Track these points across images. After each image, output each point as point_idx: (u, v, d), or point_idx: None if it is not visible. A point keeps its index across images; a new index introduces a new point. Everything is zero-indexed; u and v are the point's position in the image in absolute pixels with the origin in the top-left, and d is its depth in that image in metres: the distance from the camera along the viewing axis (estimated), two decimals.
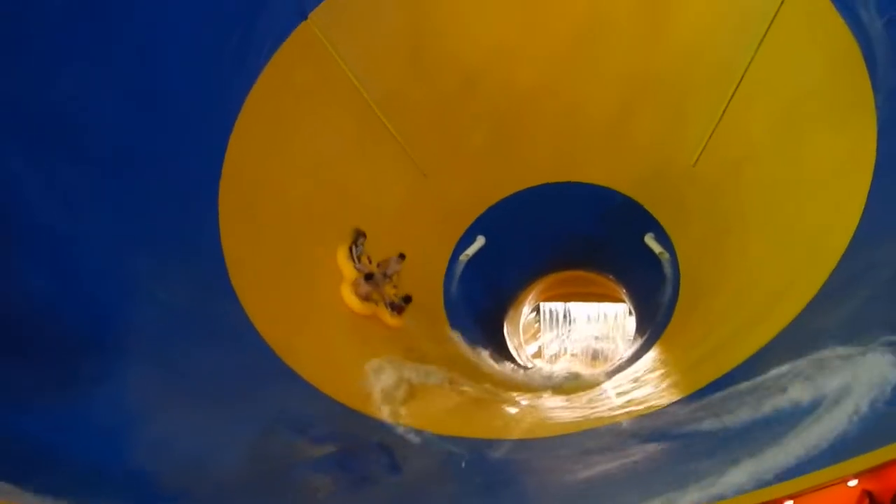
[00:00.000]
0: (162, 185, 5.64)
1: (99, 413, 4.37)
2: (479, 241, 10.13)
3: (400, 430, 5.99)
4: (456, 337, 9.57)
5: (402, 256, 8.49)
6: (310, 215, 7.39)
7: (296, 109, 7.04)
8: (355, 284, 7.63)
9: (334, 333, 7.05)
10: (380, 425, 6.05)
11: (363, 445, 5.76)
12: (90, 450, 4.10)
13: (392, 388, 6.56)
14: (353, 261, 7.80)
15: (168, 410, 4.74)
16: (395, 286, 8.36)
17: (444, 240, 10.02)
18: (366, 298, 7.72)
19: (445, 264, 10.03)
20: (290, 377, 6.02)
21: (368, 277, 7.74)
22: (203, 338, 5.55)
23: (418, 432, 6.00)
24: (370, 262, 8.13)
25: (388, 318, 8.06)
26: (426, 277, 9.76)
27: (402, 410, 6.30)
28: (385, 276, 8.19)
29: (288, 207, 7.07)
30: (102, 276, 4.99)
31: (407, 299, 8.42)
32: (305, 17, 6.73)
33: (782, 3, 6.20)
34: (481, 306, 11.03)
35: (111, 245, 5.13)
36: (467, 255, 10.05)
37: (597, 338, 15.51)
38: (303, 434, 5.55)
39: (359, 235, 8.01)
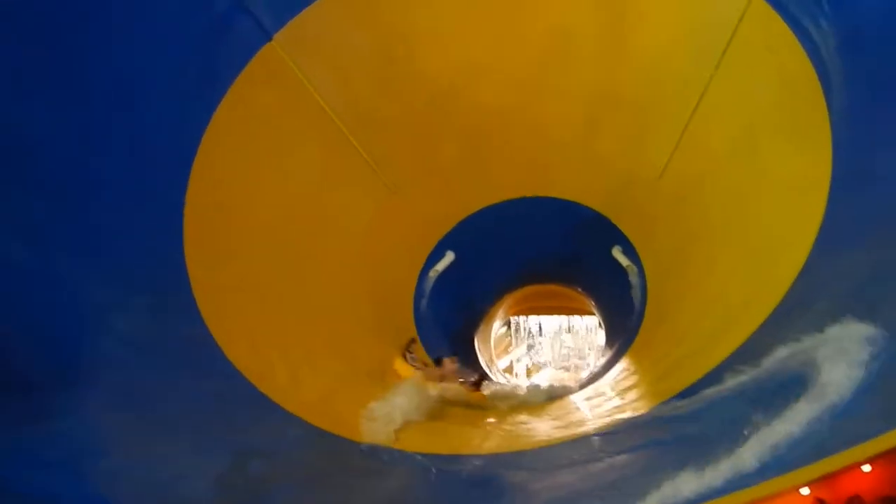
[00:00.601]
0: (122, 212, 5.54)
1: (57, 446, 4.26)
2: (449, 257, 10.19)
3: (375, 448, 5.98)
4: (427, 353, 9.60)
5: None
6: (278, 238, 7.36)
7: (261, 132, 7.01)
8: (427, 375, 8.51)
9: (306, 356, 7.00)
10: (355, 446, 6.03)
11: (338, 468, 5.72)
12: (49, 483, 4.00)
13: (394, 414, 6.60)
14: (411, 363, 8.66)
15: (130, 441, 4.66)
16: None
17: (414, 256, 10.06)
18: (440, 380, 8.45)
19: (415, 280, 10.05)
20: (262, 402, 5.95)
21: (438, 362, 9.03)
22: (168, 366, 5.45)
23: (392, 451, 5.99)
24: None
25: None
26: (396, 294, 9.78)
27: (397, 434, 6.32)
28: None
29: (255, 231, 7.02)
30: (60, 307, 4.87)
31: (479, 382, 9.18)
32: (270, 39, 6.70)
33: (739, 22, 6.35)
34: (452, 322, 11.08)
35: (69, 276, 5.01)
36: (437, 270, 10.10)
37: (567, 351, 15.62)
38: (275, 459, 5.46)
39: (410, 343, 9.08)
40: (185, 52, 6.07)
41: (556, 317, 15.40)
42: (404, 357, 8.80)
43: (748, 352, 5.15)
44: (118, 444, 4.56)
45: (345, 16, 7.18)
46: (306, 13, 6.91)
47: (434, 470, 5.58)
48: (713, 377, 5.23)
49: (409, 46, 7.76)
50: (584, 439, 6.02)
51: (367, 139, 8.24)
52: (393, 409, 6.66)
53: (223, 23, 6.28)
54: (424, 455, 5.90)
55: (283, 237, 7.41)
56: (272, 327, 6.84)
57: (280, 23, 6.79)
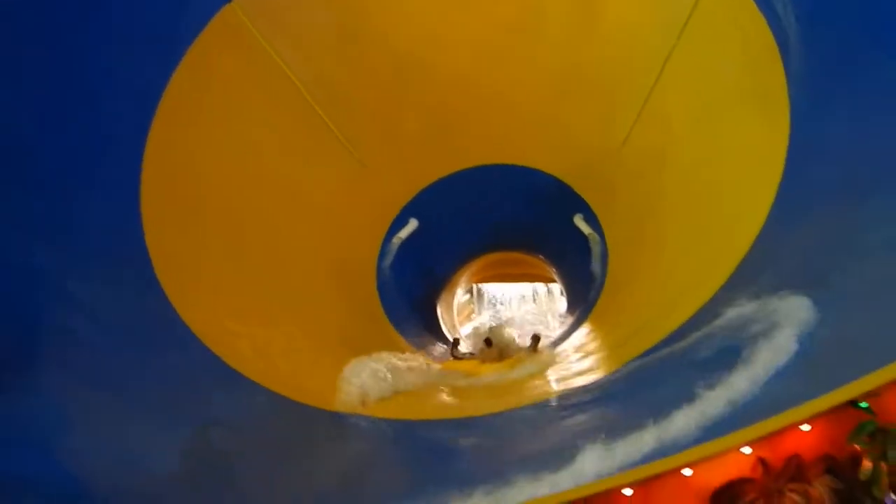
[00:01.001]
0: (77, 182, 5.43)
1: (23, 423, 4.24)
2: (412, 224, 10.16)
3: (341, 415, 6.00)
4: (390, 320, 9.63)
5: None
6: (240, 206, 7.26)
7: (221, 97, 6.87)
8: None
9: (269, 325, 6.95)
10: (319, 413, 6.04)
11: (302, 435, 5.74)
12: (15, 461, 4.00)
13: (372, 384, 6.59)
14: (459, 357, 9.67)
15: (95, 417, 4.63)
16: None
17: (377, 223, 10.01)
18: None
19: (378, 247, 10.01)
20: (226, 372, 5.92)
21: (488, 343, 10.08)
22: (131, 339, 5.40)
23: (359, 417, 6.02)
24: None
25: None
26: (359, 262, 9.74)
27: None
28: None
29: (216, 199, 6.92)
30: (20, 283, 4.78)
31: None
32: (230, 0, 6.51)
33: None
34: (414, 289, 11.09)
35: (27, 251, 4.92)
36: (400, 237, 10.07)
37: (530, 317, 15.74)
38: (240, 429, 5.44)
39: (454, 346, 10.29)
40: (140, 12, 5.90)
41: (518, 284, 15.49)
42: (453, 356, 9.72)
43: (702, 319, 5.26)
44: (83, 420, 4.52)
45: None
46: None
47: (394, 434, 5.63)
48: (668, 343, 5.35)
49: (372, 14, 7.67)
50: (542, 403, 6.12)
51: (330, 107, 8.13)
52: (366, 382, 6.66)
53: None
54: (390, 421, 5.93)
55: (244, 205, 7.31)
56: (235, 297, 6.79)
57: None
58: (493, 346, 9.94)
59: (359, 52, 7.97)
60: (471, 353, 10.32)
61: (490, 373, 8.69)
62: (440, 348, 10.72)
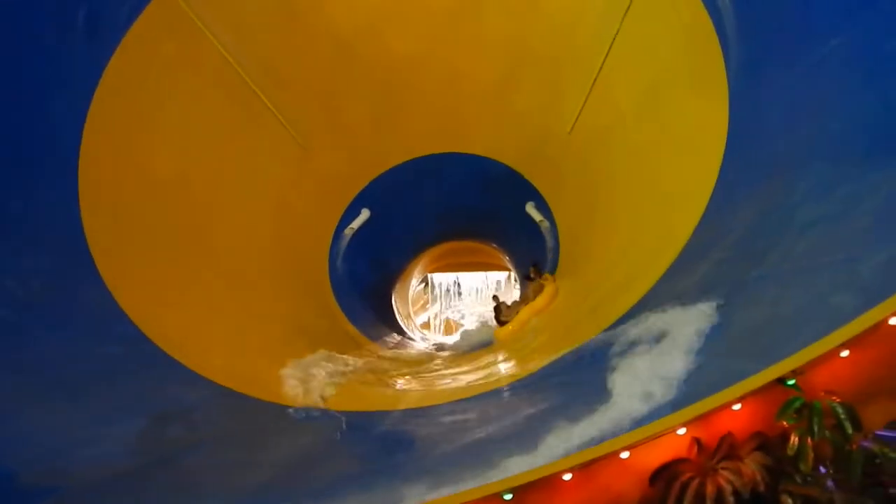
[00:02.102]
0: (11, 170, 5.24)
1: None
2: (364, 214, 10.10)
3: (289, 408, 5.94)
4: (342, 311, 9.57)
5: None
6: (181, 193, 7.06)
7: (160, 84, 6.66)
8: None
9: (211, 314, 6.82)
10: (264, 405, 5.96)
11: (247, 427, 5.66)
12: None
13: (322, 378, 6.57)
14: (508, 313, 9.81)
15: (25, 406, 4.48)
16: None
17: (328, 214, 9.92)
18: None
19: (330, 239, 9.93)
20: (168, 364, 5.78)
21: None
22: (66, 327, 5.24)
23: (309, 409, 5.96)
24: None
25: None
26: (310, 252, 9.65)
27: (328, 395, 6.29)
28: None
29: (156, 186, 6.71)
30: None
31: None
32: None
33: None
34: (368, 279, 11.05)
35: None
36: (352, 228, 10.00)
37: (483, 305, 15.85)
38: (183, 420, 5.35)
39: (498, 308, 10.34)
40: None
41: (472, 273, 15.57)
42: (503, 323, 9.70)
43: (648, 303, 5.32)
44: (13, 412, 4.37)
45: None
46: None
47: (343, 425, 5.59)
48: (614, 328, 5.40)
49: (314, 1, 7.51)
50: (496, 391, 6.14)
51: (274, 92, 7.98)
52: (313, 374, 6.62)
53: None
54: (340, 412, 5.89)
55: (185, 192, 7.13)
56: (177, 287, 6.62)
57: None
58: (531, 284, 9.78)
59: (300, 36, 7.83)
60: (515, 303, 10.26)
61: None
62: (395, 338, 10.70)
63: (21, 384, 4.60)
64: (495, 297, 10.99)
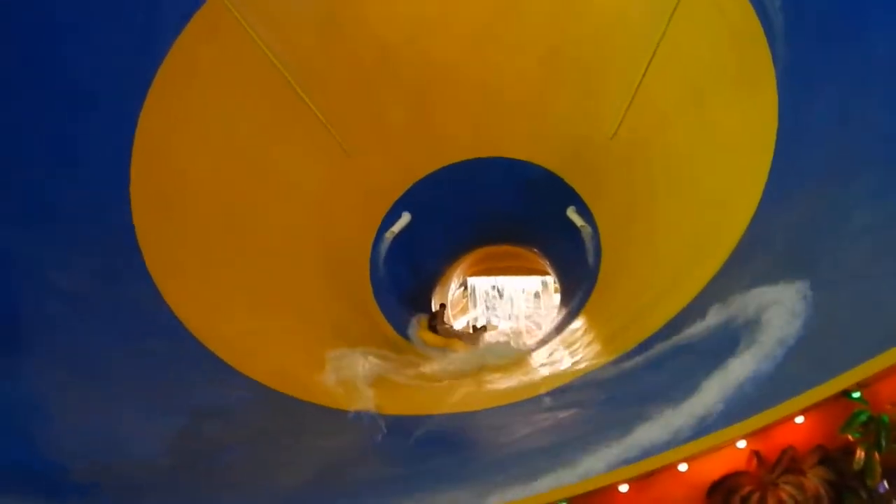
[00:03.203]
0: (65, 170, 5.39)
1: (5, 409, 4.19)
2: (405, 218, 10.11)
3: (328, 409, 5.97)
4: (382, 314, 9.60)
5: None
6: (228, 195, 7.20)
7: (208, 87, 6.82)
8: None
9: (253, 313, 6.91)
10: (309, 406, 6.01)
11: (288, 427, 5.71)
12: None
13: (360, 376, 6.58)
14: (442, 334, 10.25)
15: (78, 404, 4.60)
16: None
17: (369, 217, 9.96)
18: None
19: (371, 242, 9.97)
20: (212, 362, 5.88)
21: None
22: (115, 325, 5.36)
23: (350, 411, 5.99)
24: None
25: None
26: (352, 255, 9.70)
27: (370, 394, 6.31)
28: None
29: (204, 187, 6.87)
30: (1, 267, 4.75)
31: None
32: None
33: None
34: (408, 283, 11.07)
35: (11, 235, 4.88)
36: (393, 231, 10.02)
37: (524, 310, 15.77)
38: (225, 419, 5.42)
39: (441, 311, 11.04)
40: (126, 7, 5.87)
41: (512, 277, 15.49)
42: (433, 329, 9.97)
43: (696, 309, 5.23)
44: (65, 407, 4.49)
45: None
46: None
47: (384, 427, 5.60)
48: (661, 335, 5.33)
49: (357, 6, 7.60)
50: (537, 398, 6.09)
51: (317, 96, 8.07)
52: (355, 374, 6.65)
53: None
54: (380, 415, 5.90)
55: (233, 194, 7.26)
56: (224, 286, 6.74)
57: None
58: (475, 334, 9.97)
59: (343, 40, 7.91)
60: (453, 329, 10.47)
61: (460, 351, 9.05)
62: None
63: (69, 379, 4.72)
64: (442, 305, 11.72)
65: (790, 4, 5.31)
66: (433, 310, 11.63)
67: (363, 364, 6.90)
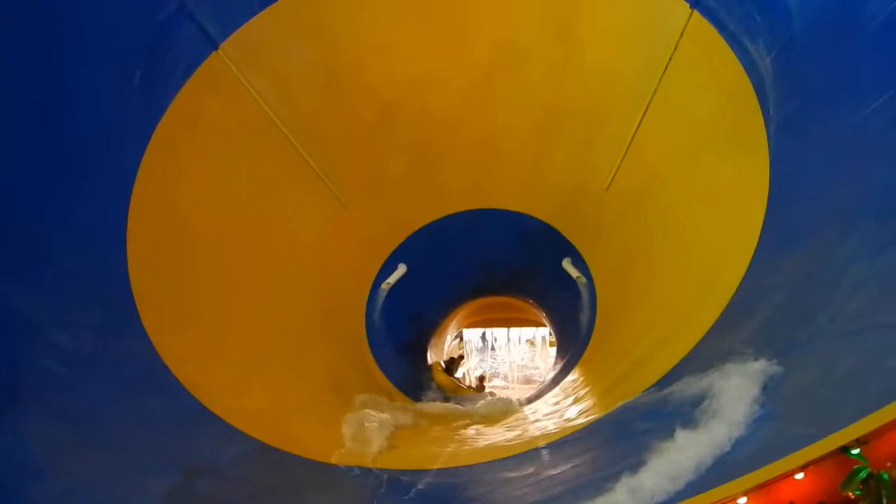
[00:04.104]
0: (63, 225, 5.39)
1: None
2: (401, 269, 10.13)
3: (324, 464, 5.88)
4: (378, 366, 9.55)
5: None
6: (225, 249, 7.22)
7: (207, 142, 6.88)
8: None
9: (253, 370, 6.86)
10: (301, 461, 5.93)
11: (284, 483, 5.62)
12: None
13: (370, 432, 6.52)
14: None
15: (71, 462, 4.52)
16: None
17: (366, 268, 9.98)
18: None
19: (367, 293, 9.97)
20: (208, 418, 5.81)
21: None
22: (111, 382, 5.30)
23: (348, 466, 5.89)
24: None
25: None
26: (348, 306, 9.69)
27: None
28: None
29: (201, 242, 6.87)
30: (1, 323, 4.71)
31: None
32: (216, 48, 6.59)
33: (680, 37, 6.50)
34: (404, 334, 11.03)
35: (10, 290, 4.84)
36: (389, 283, 10.02)
37: (521, 362, 15.70)
38: (220, 476, 5.33)
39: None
40: (128, 61, 5.93)
41: (508, 329, 15.48)
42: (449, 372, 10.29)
43: (692, 362, 5.22)
44: (58, 465, 4.43)
45: (291, 27, 7.14)
46: (252, 23, 6.85)
47: (383, 484, 5.51)
48: (658, 388, 5.31)
49: (355, 58, 7.74)
50: (533, 452, 6.03)
51: (316, 150, 8.16)
52: (371, 430, 6.59)
53: (167, 31, 6.16)
54: (379, 470, 5.82)
55: (230, 248, 7.27)
56: (220, 342, 6.70)
57: (226, 32, 6.70)
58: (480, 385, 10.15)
59: (343, 95, 8.02)
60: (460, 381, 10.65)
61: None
62: (431, 394, 10.60)
63: (64, 438, 4.65)
64: (460, 357, 12.24)
65: (780, 63, 5.43)
66: (430, 362, 11.61)
67: (371, 421, 6.85)
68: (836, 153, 4.84)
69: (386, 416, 7.16)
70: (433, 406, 9.40)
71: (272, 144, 7.70)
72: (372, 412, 7.05)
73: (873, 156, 4.45)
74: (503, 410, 8.66)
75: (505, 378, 16.06)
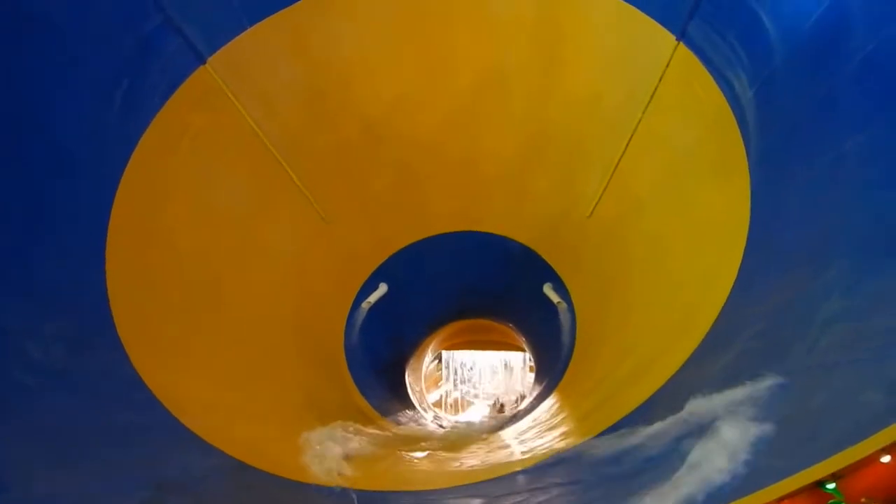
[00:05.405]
0: (41, 235, 5.31)
1: None
2: (382, 289, 10.09)
3: (298, 483, 5.81)
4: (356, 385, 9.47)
5: None
6: (204, 264, 7.15)
7: (190, 156, 6.82)
8: None
9: (225, 384, 6.77)
10: (274, 479, 5.85)
11: (257, 500, 5.54)
12: None
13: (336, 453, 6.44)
14: None
15: (41, 474, 4.40)
16: None
17: (346, 287, 9.92)
18: None
19: (347, 312, 9.91)
20: (181, 433, 5.72)
21: None
22: (84, 394, 5.20)
23: (322, 486, 5.84)
24: None
25: None
26: (327, 325, 9.62)
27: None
28: None
29: (181, 256, 6.81)
30: None
31: None
32: (204, 62, 6.57)
33: (666, 69, 6.59)
34: (383, 354, 10.97)
35: None
36: (369, 302, 9.98)
37: (497, 386, 15.65)
38: (192, 492, 5.23)
39: None
40: (113, 73, 5.88)
41: (487, 352, 15.44)
42: None
43: (669, 391, 5.24)
44: (26, 477, 4.30)
45: (278, 45, 7.13)
46: (240, 39, 6.83)
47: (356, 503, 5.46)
48: (634, 417, 5.31)
49: (341, 77, 7.75)
50: (510, 476, 6.00)
51: (300, 167, 8.13)
52: (329, 448, 6.52)
53: (152, 44, 6.11)
54: (353, 491, 5.76)
55: (209, 263, 7.20)
56: (197, 358, 6.64)
57: (213, 47, 6.68)
58: None
59: (328, 114, 8.02)
60: None
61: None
62: (406, 415, 10.53)
63: (36, 450, 4.53)
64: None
65: (762, 97, 5.51)
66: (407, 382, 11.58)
67: (338, 439, 6.78)
68: (814, 187, 4.91)
69: (352, 435, 7.10)
70: (407, 428, 9.34)
71: (255, 159, 7.66)
72: (340, 431, 6.98)
73: (849, 190, 4.52)
74: (475, 435, 8.63)
75: (482, 401, 15.99)
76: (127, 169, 6.10)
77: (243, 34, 6.80)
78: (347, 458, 6.52)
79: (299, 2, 6.97)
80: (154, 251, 6.45)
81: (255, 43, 6.92)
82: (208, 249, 7.22)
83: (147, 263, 6.33)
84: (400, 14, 7.52)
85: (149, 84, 6.27)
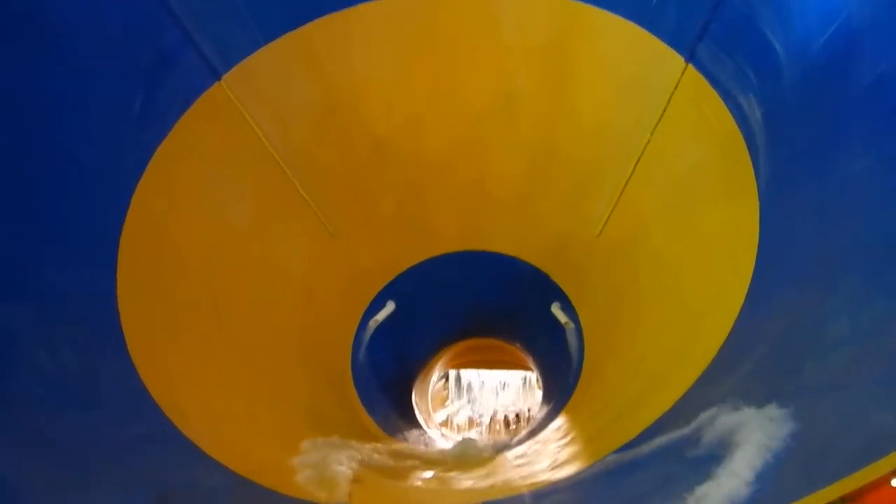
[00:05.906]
0: (53, 247, 5.34)
1: None
2: (389, 307, 10.08)
3: (301, 500, 5.77)
4: (362, 403, 9.43)
5: None
6: (214, 278, 7.18)
7: (201, 170, 6.89)
8: None
9: (232, 399, 6.76)
10: (278, 496, 5.80)
11: None
12: None
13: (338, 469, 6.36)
14: None
15: (41, 485, 4.39)
16: None
17: (354, 305, 9.92)
18: None
19: (354, 329, 9.90)
20: (185, 446, 5.68)
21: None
22: (89, 404, 5.19)
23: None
24: None
25: None
26: (335, 342, 9.61)
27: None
28: None
29: (192, 270, 6.85)
30: None
31: None
32: (219, 79, 6.66)
33: (674, 90, 6.62)
34: (389, 373, 10.94)
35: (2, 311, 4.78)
36: (377, 320, 9.97)
37: (506, 406, 15.56)
38: None
39: None
40: (128, 87, 5.95)
41: (495, 371, 15.38)
42: None
43: (678, 413, 5.19)
44: (26, 488, 4.29)
45: (292, 62, 7.22)
46: (256, 56, 6.92)
47: None
48: (645, 437, 5.26)
49: (352, 96, 7.83)
50: (516, 498, 5.95)
51: (310, 184, 8.18)
52: (330, 465, 6.46)
53: (170, 59, 6.21)
54: None
55: (219, 277, 7.23)
56: (202, 369, 6.60)
57: (229, 64, 6.77)
58: None
59: (338, 131, 8.09)
60: None
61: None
62: (413, 434, 10.48)
63: (40, 461, 4.51)
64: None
65: (771, 117, 5.53)
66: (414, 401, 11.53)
67: (340, 455, 6.72)
68: (823, 207, 4.91)
69: (356, 454, 7.05)
70: (413, 447, 9.29)
71: (266, 174, 7.73)
72: (345, 449, 6.93)
73: (859, 211, 4.51)
74: (481, 455, 8.56)
75: (489, 421, 15.89)
76: (141, 180, 6.16)
77: (258, 51, 6.90)
78: (351, 477, 6.47)
79: (314, 21, 7.08)
80: (164, 264, 6.48)
81: (269, 60, 7.01)
82: (218, 263, 7.24)
83: (157, 277, 6.35)
84: (413, 37, 7.63)
85: (164, 98, 6.34)
